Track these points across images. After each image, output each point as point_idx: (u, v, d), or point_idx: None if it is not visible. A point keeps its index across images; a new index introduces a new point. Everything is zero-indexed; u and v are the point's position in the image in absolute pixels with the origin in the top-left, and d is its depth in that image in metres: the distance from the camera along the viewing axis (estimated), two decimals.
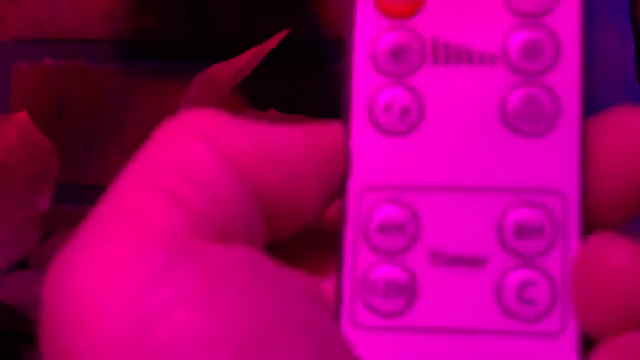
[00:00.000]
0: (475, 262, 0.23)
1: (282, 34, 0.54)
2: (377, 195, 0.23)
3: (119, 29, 0.73)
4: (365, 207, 0.23)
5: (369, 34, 0.24)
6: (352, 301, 0.23)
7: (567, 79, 0.23)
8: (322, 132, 0.23)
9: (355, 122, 0.24)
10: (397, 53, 0.24)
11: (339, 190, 0.23)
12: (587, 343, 0.22)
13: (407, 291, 0.23)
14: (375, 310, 0.23)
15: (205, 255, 0.20)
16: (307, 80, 0.69)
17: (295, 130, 0.23)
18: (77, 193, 0.75)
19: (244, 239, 0.22)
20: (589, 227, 0.23)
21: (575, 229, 0.22)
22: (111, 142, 0.74)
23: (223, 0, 0.71)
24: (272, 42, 0.54)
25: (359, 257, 0.23)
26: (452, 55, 0.23)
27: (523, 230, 0.23)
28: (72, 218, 0.75)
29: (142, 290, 0.19)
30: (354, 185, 0.23)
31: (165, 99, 0.72)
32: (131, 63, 0.73)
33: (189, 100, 0.53)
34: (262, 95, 0.70)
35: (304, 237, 0.24)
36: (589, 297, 0.21)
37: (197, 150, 0.22)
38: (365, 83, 0.24)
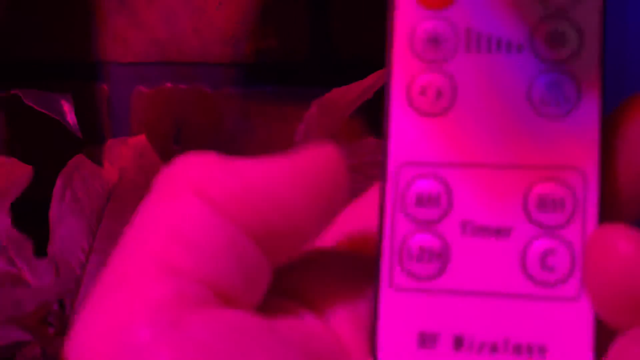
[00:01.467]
0: (502, 231, 0.25)
1: None
2: (413, 171, 0.25)
3: (239, 52, 0.72)
4: (403, 181, 0.25)
5: (409, 23, 0.26)
6: (390, 266, 0.25)
7: (588, 67, 0.25)
8: (311, 157, 0.24)
9: (395, 103, 0.26)
10: (434, 41, 0.26)
11: (335, 211, 0.25)
12: None
13: (440, 257, 0.25)
14: (411, 273, 0.25)
15: (187, 327, 0.22)
16: None
17: (283, 162, 0.24)
18: None
19: (245, 283, 0.23)
20: (609, 206, 0.25)
21: (594, 204, 0.24)
22: None
23: (345, 22, 0.68)
24: None
25: (397, 226, 0.25)
26: (484, 43, 0.25)
27: (546, 203, 0.25)
28: None
29: None
30: (393, 161, 0.26)
31: (284, 124, 0.70)
32: (251, 87, 0.71)
33: (307, 125, 0.51)
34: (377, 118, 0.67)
35: (309, 266, 0.26)
36: (599, 281, 0.24)
37: (189, 207, 0.24)
38: (405, 68, 0.26)
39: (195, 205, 0.24)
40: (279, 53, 0.70)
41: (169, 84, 0.74)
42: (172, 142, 0.74)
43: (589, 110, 0.25)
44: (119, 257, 0.24)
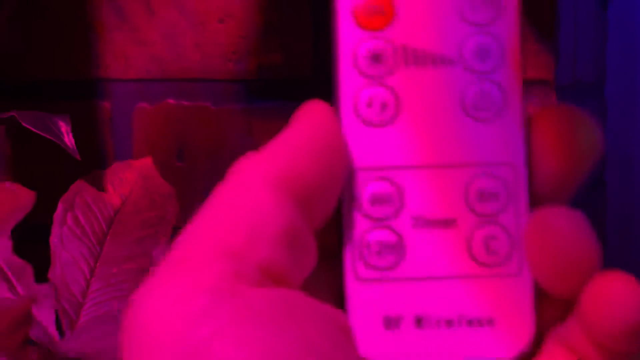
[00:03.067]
0: (448, 222, 0.29)
1: None
2: (366, 175, 0.29)
3: (242, 68, 0.71)
4: (358, 185, 0.29)
5: (351, 44, 0.29)
6: (353, 260, 0.29)
7: (510, 75, 0.29)
8: (311, 125, 0.29)
9: (344, 117, 0.29)
10: (375, 58, 0.29)
11: (343, 163, 0.29)
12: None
13: (397, 249, 0.29)
14: (372, 266, 0.29)
15: (244, 297, 0.25)
16: None
17: (295, 136, 0.28)
18: None
19: (295, 266, 0.27)
20: (538, 199, 0.29)
21: (524, 193, 0.29)
22: None
23: None
24: None
25: (356, 225, 0.29)
26: (420, 58, 0.29)
27: (484, 195, 0.29)
28: None
29: (188, 326, 0.24)
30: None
31: None
32: (254, 103, 0.70)
33: None
34: None
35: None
36: (540, 252, 0.28)
37: (255, 195, 0.27)
38: (350, 84, 0.29)
39: (259, 193, 0.27)
40: (282, 69, 0.69)
41: (171, 101, 0.73)
42: (175, 159, 0.73)
43: (514, 113, 0.29)
44: (187, 237, 0.27)
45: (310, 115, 0.29)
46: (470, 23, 0.29)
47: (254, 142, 0.70)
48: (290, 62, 0.69)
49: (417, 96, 0.29)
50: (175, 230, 0.73)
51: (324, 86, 0.69)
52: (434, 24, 0.29)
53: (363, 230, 0.29)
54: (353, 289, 0.29)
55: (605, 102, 1.21)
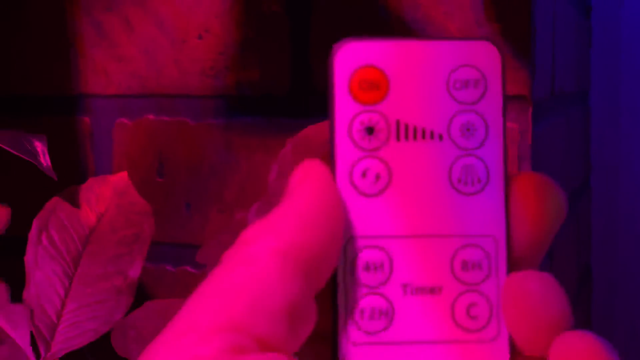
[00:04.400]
0: (434, 290, 0.31)
1: None
2: (360, 243, 0.30)
3: (220, 84, 0.71)
4: (351, 252, 0.30)
5: (347, 117, 0.31)
6: (346, 324, 0.30)
7: (494, 152, 0.31)
8: (315, 195, 0.30)
9: (340, 185, 0.30)
10: (369, 131, 0.31)
11: (340, 227, 0.30)
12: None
13: (387, 315, 0.30)
14: (364, 329, 0.30)
15: None
16: None
17: (299, 206, 0.29)
18: (177, 252, 0.73)
19: (293, 336, 0.28)
20: (514, 262, 0.31)
21: (504, 263, 0.31)
22: (211, 200, 0.71)
23: (326, 55, 0.68)
24: None
25: (349, 290, 0.30)
26: (411, 133, 0.31)
27: (468, 265, 0.31)
28: (173, 278, 0.73)
29: None
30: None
31: (266, 156, 0.69)
32: (232, 118, 0.70)
33: (281, 164, 0.50)
34: None
35: None
36: (515, 313, 0.30)
37: (261, 269, 0.28)
38: (346, 155, 0.30)
39: (266, 265, 0.28)
40: (260, 85, 0.69)
41: (151, 116, 0.73)
42: (155, 175, 0.73)
43: (497, 188, 0.31)
44: (192, 307, 0.28)
45: (311, 182, 0.30)
46: (458, 101, 0.31)
47: (232, 156, 0.71)
48: (268, 78, 0.69)
49: (407, 169, 0.31)
50: (157, 244, 0.73)
51: (300, 102, 0.70)
52: (425, 100, 0.31)
53: (357, 296, 0.30)
54: (346, 351, 0.30)
55: (589, 110, 1.21)
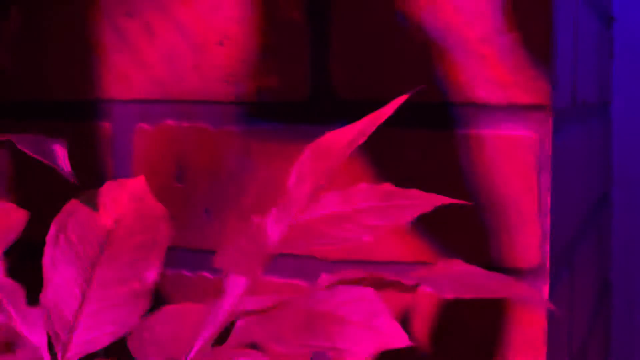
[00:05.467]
0: None
1: (401, 100, 0.51)
2: None
3: (240, 91, 0.71)
4: None
5: None
6: None
7: None
8: None
9: None
10: None
11: None
12: None
13: None
14: None
15: None
16: (433, 146, 0.65)
17: None
18: (195, 258, 0.73)
19: None
20: None
21: None
22: (230, 206, 0.71)
23: (345, 61, 0.68)
24: (388, 109, 0.50)
25: None
26: None
27: None
28: (190, 283, 0.73)
29: None
30: None
31: (285, 162, 0.69)
32: (252, 125, 0.71)
33: (300, 171, 0.50)
34: (386, 161, 0.66)
35: None
36: None
37: None
38: None
39: None
40: (279, 92, 0.70)
41: (170, 122, 0.74)
42: (174, 180, 0.73)
43: None
44: None
45: None
46: None
47: (251, 162, 0.71)
48: (288, 85, 0.69)
49: None
50: (176, 250, 0.73)
51: (320, 109, 0.70)
52: None
53: None
54: None
55: (610, 121, 1.20)
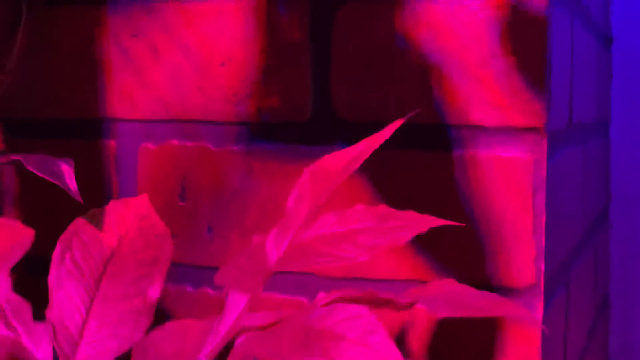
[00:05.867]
0: None
1: (397, 123, 0.52)
2: None
3: (243, 111, 0.72)
4: None
5: None
6: None
7: None
8: None
9: None
10: None
11: None
12: None
13: None
14: None
15: None
16: (430, 167, 0.67)
17: None
18: (198, 274, 0.74)
19: None
20: None
21: None
22: (232, 224, 0.73)
23: (346, 83, 0.69)
24: (385, 133, 0.52)
25: None
26: None
27: None
28: (192, 299, 0.75)
29: None
30: None
31: (286, 182, 0.71)
32: (253, 145, 0.72)
33: (299, 193, 0.51)
34: (384, 181, 0.68)
35: None
36: None
37: None
38: None
39: None
40: (281, 112, 0.71)
41: (174, 141, 0.75)
42: (177, 198, 0.75)
43: None
44: None
45: None
46: None
47: (253, 182, 0.72)
48: (289, 106, 0.71)
49: None
50: (179, 266, 0.74)
51: (320, 130, 0.71)
52: None
53: None
54: None
55: (609, 141, 1.22)
